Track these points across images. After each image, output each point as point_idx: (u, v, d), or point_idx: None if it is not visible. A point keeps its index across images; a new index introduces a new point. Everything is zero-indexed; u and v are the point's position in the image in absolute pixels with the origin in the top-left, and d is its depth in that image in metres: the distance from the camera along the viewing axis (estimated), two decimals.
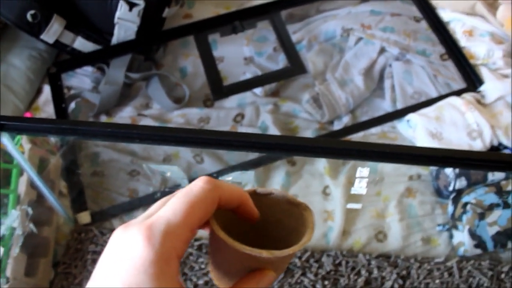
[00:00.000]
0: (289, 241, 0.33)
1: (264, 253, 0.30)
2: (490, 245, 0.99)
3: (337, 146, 0.71)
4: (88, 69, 1.29)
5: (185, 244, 0.29)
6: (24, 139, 1.01)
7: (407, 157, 0.77)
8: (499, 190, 1.01)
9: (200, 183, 0.30)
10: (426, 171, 1.13)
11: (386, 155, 0.76)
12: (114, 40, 1.25)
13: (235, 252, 0.30)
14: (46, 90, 1.26)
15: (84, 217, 1.07)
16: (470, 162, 0.72)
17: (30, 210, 0.95)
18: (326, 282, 0.96)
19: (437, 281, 0.96)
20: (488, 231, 0.99)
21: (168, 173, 1.10)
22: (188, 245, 0.29)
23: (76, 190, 1.11)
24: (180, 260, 0.29)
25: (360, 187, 0.96)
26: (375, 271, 0.98)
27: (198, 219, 0.29)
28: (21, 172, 0.98)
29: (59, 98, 1.22)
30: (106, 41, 1.26)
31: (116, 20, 1.21)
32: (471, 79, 1.22)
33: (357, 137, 1.17)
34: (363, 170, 0.94)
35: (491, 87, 1.18)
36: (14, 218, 0.91)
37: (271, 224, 0.36)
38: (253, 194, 0.35)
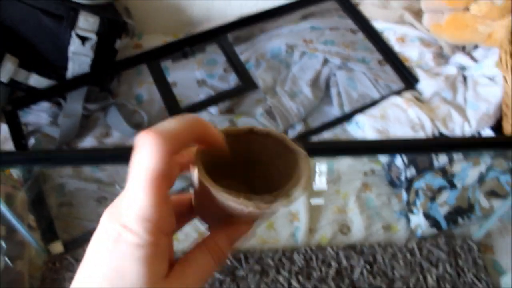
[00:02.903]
0: (281, 184, 0.32)
1: (250, 207, 0.29)
2: (443, 223, 1.07)
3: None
4: (44, 104, 1.31)
5: (170, 215, 0.28)
6: None
7: (360, 149, 0.85)
8: (444, 173, 1.10)
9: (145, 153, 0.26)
10: (378, 166, 1.21)
11: (340, 149, 0.83)
12: (69, 74, 1.27)
13: (220, 199, 0.29)
14: (3, 128, 1.26)
15: (57, 247, 1.07)
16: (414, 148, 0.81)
17: (4, 244, 0.95)
18: (300, 277, 1.01)
19: (401, 262, 1.03)
20: (440, 211, 1.07)
21: None
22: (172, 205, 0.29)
23: (45, 221, 1.11)
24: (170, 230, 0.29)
25: (320, 182, 1.02)
26: (344, 261, 1.04)
27: (160, 190, 0.27)
28: None
29: (18, 135, 1.22)
30: (60, 75, 1.28)
31: (70, 54, 1.24)
32: (408, 80, 1.33)
33: None
34: (321, 166, 1.01)
35: (426, 85, 1.30)
36: None
37: (263, 164, 0.35)
38: (250, 132, 0.34)
